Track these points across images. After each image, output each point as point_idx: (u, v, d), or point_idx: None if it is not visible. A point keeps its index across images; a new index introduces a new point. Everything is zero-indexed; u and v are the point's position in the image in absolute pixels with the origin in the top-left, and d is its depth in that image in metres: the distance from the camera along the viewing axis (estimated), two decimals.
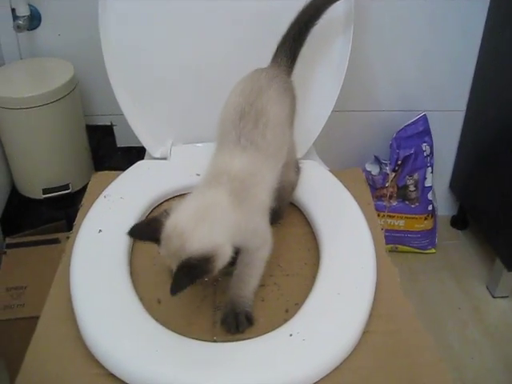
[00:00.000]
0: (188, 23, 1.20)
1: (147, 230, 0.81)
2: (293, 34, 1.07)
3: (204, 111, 1.23)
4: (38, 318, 1.19)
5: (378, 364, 0.80)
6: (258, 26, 1.20)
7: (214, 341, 0.83)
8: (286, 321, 0.85)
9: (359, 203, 1.08)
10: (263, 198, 0.87)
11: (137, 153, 1.41)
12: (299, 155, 1.23)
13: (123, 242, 0.98)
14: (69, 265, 0.94)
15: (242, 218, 0.81)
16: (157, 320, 0.84)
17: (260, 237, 0.88)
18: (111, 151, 1.73)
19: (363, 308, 0.86)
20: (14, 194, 1.58)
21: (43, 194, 1.52)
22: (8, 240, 1.46)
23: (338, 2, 1.13)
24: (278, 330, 0.82)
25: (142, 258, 0.99)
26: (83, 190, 1.53)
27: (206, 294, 0.92)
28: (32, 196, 1.55)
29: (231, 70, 1.14)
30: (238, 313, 0.85)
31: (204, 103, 1.24)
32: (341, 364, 0.79)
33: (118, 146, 1.73)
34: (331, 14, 1.17)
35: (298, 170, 1.12)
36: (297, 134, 1.12)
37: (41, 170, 1.53)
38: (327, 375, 0.77)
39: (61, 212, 1.54)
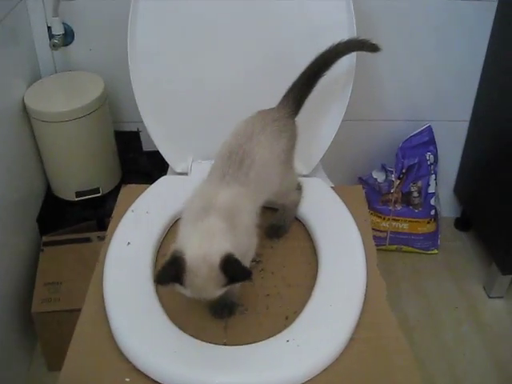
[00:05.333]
0: (213, 44, 1.30)
1: (171, 272, 0.85)
2: (301, 83, 1.15)
3: (223, 129, 1.33)
4: (72, 311, 1.35)
5: (361, 367, 0.93)
6: (280, 54, 1.30)
7: (224, 344, 0.97)
8: (285, 326, 0.98)
9: (356, 220, 1.19)
10: (248, 222, 0.96)
11: (161, 157, 1.48)
12: (306, 172, 1.36)
13: (149, 253, 1.12)
14: (102, 273, 1.08)
15: (235, 241, 0.90)
16: (176, 324, 0.98)
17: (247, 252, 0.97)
18: (138, 155, 1.84)
19: (351, 319, 0.98)
20: (50, 196, 1.71)
21: (76, 196, 1.64)
22: (44, 238, 1.59)
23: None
24: (277, 336, 0.96)
25: None
26: (112, 192, 1.69)
27: None
28: (66, 198, 1.68)
29: (251, 92, 1.26)
30: (225, 304, 1.00)
31: (224, 121, 1.33)
32: (328, 367, 0.92)
33: (144, 150, 1.84)
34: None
35: (300, 190, 1.23)
36: (303, 152, 1.23)
37: (74, 175, 1.65)
38: (316, 376, 0.91)
39: (92, 212, 1.67)
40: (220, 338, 0.99)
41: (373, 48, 1.21)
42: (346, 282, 1.06)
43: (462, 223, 2.07)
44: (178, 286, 0.87)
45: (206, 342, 0.96)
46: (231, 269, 0.85)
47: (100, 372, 0.94)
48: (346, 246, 1.14)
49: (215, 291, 0.87)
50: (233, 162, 0.99)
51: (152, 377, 0.92)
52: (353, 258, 1.11)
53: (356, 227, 1.17)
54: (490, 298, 1.81)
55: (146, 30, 1.28)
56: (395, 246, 1.95)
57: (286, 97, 1.16)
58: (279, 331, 0.97)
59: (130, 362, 0.94)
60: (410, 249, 1.95)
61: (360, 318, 1.00)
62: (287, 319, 1.01)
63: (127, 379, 0.92)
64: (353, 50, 1.23)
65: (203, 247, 0.87)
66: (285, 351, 0.93)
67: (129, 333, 0.97)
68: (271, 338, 0.96)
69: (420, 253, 1.96)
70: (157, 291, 1.04)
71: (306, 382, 0.90)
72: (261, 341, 0.96)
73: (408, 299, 1.80)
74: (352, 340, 0.97)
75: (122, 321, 0.99)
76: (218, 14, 1.29)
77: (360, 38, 1.22)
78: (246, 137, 1.04)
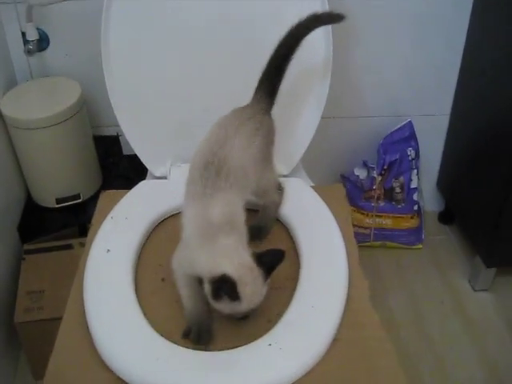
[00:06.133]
0: (187, 45, 1.28)
1: (227, 288, 0.91)
2: (270, 73, 1.12)
3: (201, 131, 1.32)
4: (55, 319, 1.33)
5: (344, 368, 0.93)
6: (259, 51, 1.26)
7: (206, 350, 0.97)
8: (268, 329, 0.98)
9: (338, 219, 1.19)
10: (242, 218, 1.01)
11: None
12: (286, 172, 1.35)
13: (129, 260, 1.11)
14: (82, 281, 1.07)
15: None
16: (158, 331, 0.97)
17: None
18: (118, 160, 1.83)
19: (333, 320, 0.98)
20: (30, 203, 1.69)
21: (56, 203, 1.64)
22: (26, 246, 1.58)
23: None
24: (259, 340, 0.95)
25: (145, 275, 1.12)
26: (93, 198, 1.68)
27: None
28: (46, 205, 1.66)
29: (230, 93, 1.21)
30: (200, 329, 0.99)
31: (201, 123, 1.32)
32: (311, 369, 0.92)
33: (125, 153, 1.83)
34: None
35: (281, 190, 1.23)
36: (283, 152, 1.23)
37: (54, 181, 1.64)
38: (299, 379, 0.91)
39: (73, 219, 1.66)
40: None
41: (336, 18, 1.15)
42: (327, 283, 1.05)
43: (445, 217, 2.08)
44: (230, 306, 0.93)
45: (189, 348, 0.95)
46: (266, 259, 0.95)
47: (82, 382, 0.93)
48: (328, 247, 1.14)
49: (263, 289, 0.95)
50: (210, 173, 1.00)
51: None
52: (334, 259, 1.11)
53: (337, 227, 1.17)
54: (475, 291, 1.82)
55: (119, 34, 1.26)
56: (379, 243, 1.95)
57: (257, 90, 1.13)
58: (261, 335, 0.97)
59: (112, 371, 0.93)
60: (394, 244, 1.96)
61: (343, 319, 1.00)
62: (270, 322, 1.00)
63: None
64: (315, 27, 1.14)
65: (234, 260, 0.93)
66: (267, 355, 0.93)
67: (110, 342, 0.96)
68: (253, 343, 0.95)
69: (404, 248, 1.96)
70: (138, 299, 1.03)
71: None
72: (243, 345, 0.95)
73: (394, 295, 1.81)
74: (335, 341, 0.96)
75: (104, 330, 0.98)
76: (192, 16, 1.28)
77: (320, 12, 1.16)
78: (220, 143, 1.03)
